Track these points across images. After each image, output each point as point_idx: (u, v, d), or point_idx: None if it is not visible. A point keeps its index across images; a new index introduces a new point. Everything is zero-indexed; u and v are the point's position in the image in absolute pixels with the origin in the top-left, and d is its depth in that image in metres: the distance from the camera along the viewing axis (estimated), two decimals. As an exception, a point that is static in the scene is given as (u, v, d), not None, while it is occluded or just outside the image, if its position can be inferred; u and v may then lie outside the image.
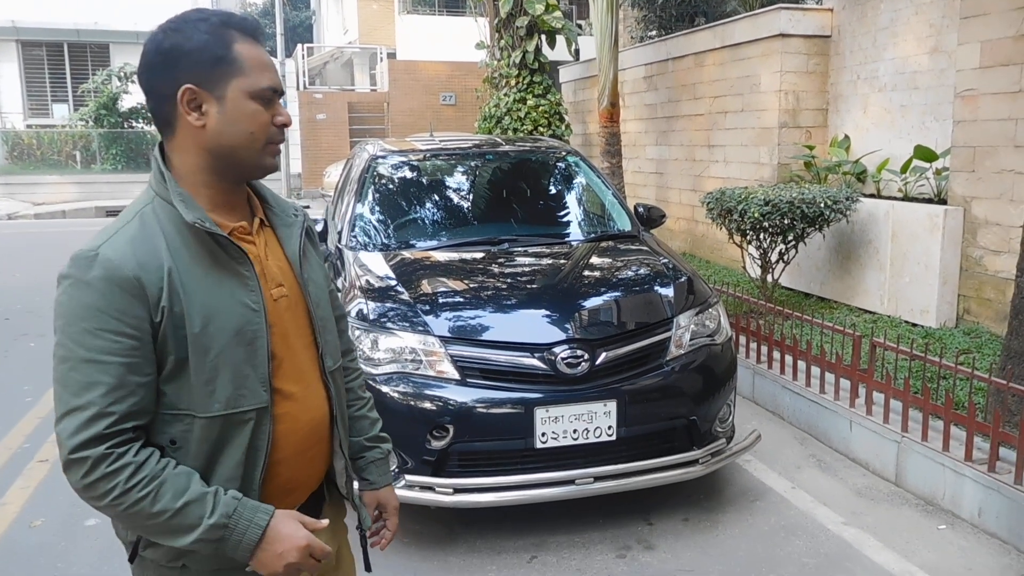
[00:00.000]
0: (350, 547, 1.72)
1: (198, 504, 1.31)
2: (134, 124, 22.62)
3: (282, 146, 1.51)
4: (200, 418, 1.36)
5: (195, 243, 1.37)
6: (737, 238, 6.32)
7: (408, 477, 3.32)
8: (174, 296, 1.32)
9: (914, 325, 5.84)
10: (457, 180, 5.21)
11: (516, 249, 4.30)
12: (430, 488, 3.30)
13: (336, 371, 1.59)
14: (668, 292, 3.88)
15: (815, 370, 4.66)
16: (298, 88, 22.29)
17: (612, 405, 3.37)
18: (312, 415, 1.51)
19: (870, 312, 6.28)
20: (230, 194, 1.45)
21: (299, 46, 23.74)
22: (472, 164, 5.30)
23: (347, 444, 1.64)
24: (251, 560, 1.36)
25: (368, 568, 1.66)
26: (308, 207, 18.48)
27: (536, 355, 3.38)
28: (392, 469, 3.34)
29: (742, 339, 5.27)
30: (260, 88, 1.40)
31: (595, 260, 4.32)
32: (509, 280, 4.01)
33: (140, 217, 1.37)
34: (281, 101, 1.47)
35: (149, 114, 1.45)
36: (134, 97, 22.06)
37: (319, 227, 4.60)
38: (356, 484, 1.72)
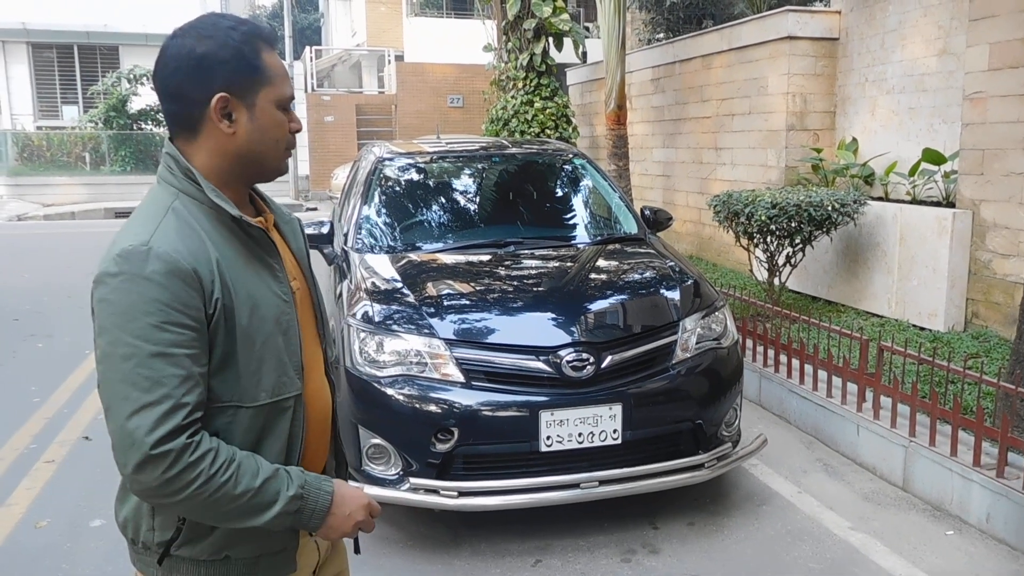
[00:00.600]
0: None
1: (274, 480, 1.35)
2: (143, 126, 22.71)
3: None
4: (247, 408, 1.39)
5: (232, 237, 1.42)
6: (744, 241, 6.30)
7: (413, 480, 3.32)
8: (224, 288, 1.36)
9: (922, 329, 5.81)
10: (463, 182, 5.21)
11: (522, 252, 4.30)
12: (434, 491, 3.30)
13: (333, 363, 1.65)
14: (674, 295, 3.86)
15: (822, 374, 4.64)
16: (306, 90, 22.36)
17: (617, 408, 3.36)
18: (321, 405, 1.58)
19: (878, 316, 6.25)
20: (243, 194, 1.51)
21: (307, 48, 23.82)
22: (479, 166, 5.30)
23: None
24: (321, 527, 1.41)
25: (357, 551, 1.69)
26: (316, 208, 18.60)
27: (541, 358, 3.37)
28: (396, 472, 3.36)
29: (749, 342, 5.25)
30: (284, 97, 1.45)
31: (601, 263, 4.31)
32: (515, 283, 4.01)
33: (173, 212, 1.38)
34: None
35: (165, 115, 1.46)
36: (143, 99, 22.17)
37: (325, 229, 4.61)
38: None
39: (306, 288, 1.59)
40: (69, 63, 24.52)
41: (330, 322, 1.87)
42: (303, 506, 1.37)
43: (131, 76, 22.04)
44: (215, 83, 1.38)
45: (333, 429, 1.65)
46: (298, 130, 1.49)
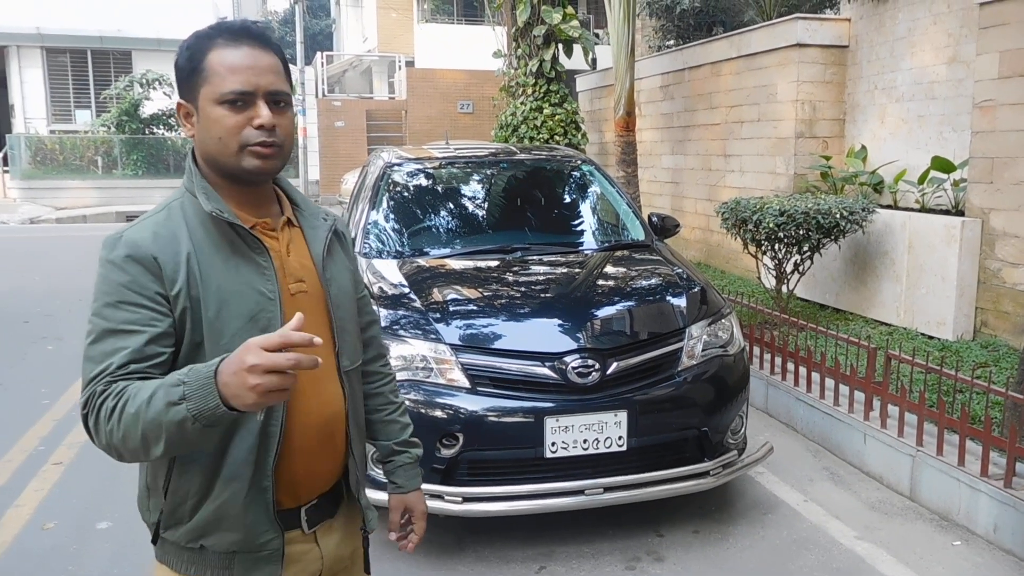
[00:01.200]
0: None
1: (165, 387, 1.23)
2: (155, 130, 22.86)
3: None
4: None
5: (216, 233, 1.44)
6: (752, 248, 6.29)
7: (417, 485, 3.32)
8: (191, 280, 1.39)
9: (930, 337, 5.78)
10: (472, 188, 5.23)
11: (529, 258, 4.30)
12: (439, 496, 3.29)
13: (352, 372, 1.61)
14: (681, 302, 3.86)
15: (829, 382, 4.63)
16: (317, 96, 22.44)
17: (623, 415, 3.35)
18: (326, 412, 1.53)
19: (886, 324, 6.22)
20: (249, 193, 1.49)
21: (319, 54, 23.93)
22: (487, 172, 5.31)
23: (361, 446, 1.65)
24: (226, 397, 1.19)
25: (367, 570, 1.67)
26: (325, 214, 18.69)
27: (547, 364, 3.38)
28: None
29: (756, 350, 5.24)
30: (223, 92, 1.41)
31: (608, 269, 4.31)
32: (521, 289, 4.01)
33: (168, 209, 1.47)
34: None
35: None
36: (155, 103, 22.33)
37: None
38: (385, 487, 1.78)
39: (319, 291, 1.54)
40: (82, 68, 24.70)
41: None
42: (189, 392, 1.20)
43: (144, 81, 22.17)
44: (177, 89, 1.49)
45: (348, 436, 1.58)
46: (262, 125, 1.41)
